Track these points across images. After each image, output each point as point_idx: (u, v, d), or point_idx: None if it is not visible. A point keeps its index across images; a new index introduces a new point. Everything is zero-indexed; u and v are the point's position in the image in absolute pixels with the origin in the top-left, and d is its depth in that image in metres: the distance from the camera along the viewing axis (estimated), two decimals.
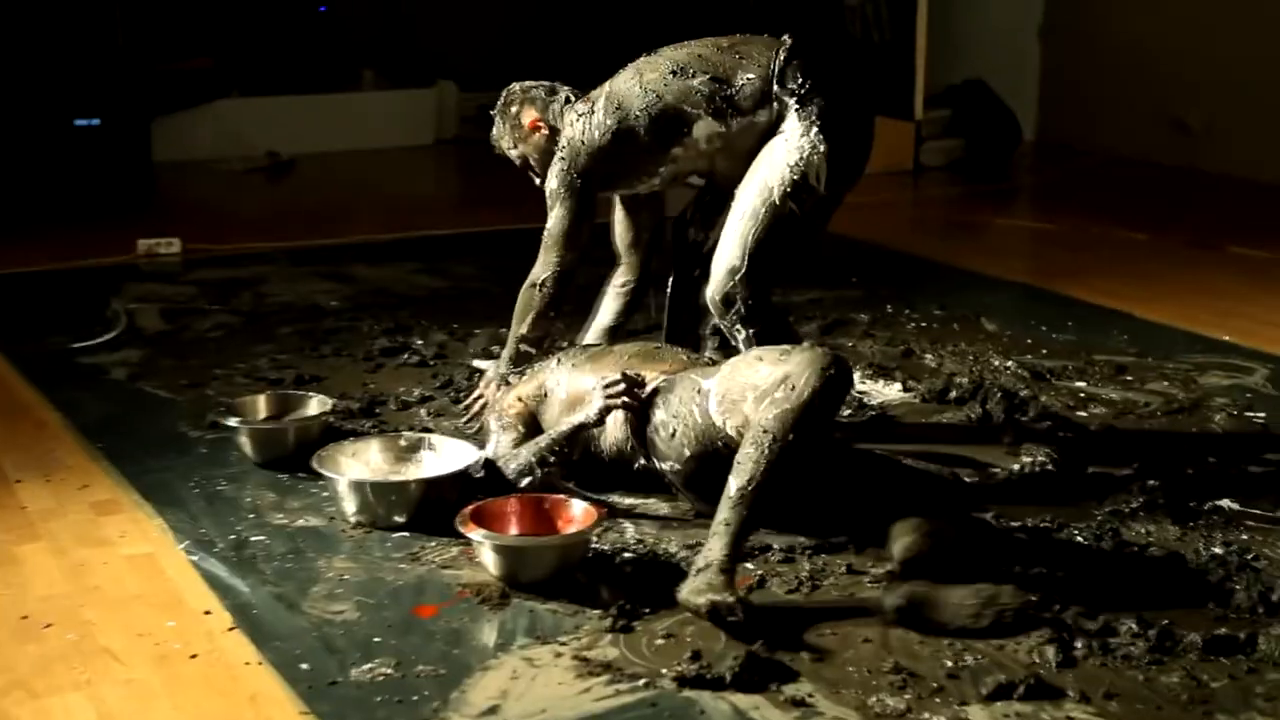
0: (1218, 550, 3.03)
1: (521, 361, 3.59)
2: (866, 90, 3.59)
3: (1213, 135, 7.48)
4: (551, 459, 3.23)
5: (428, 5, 8.79)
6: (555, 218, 3.54)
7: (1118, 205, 6.83)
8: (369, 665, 2.60)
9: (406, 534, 3.14)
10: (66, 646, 2.71)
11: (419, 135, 8.45)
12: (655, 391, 3.18)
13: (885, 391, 4.08)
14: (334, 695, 2.51)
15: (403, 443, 3.44)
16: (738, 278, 3.35)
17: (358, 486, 3.21)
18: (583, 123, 3.51)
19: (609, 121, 3.47)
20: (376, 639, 2.70)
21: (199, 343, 4.62)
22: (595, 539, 3.03)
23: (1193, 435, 3.78)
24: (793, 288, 4.35)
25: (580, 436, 3.26)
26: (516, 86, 3.70)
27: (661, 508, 3.26)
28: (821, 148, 3.32)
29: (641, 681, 2.53)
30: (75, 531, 3.22)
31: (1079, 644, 2.63)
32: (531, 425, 3.38)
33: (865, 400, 3.99)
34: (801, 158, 3.32)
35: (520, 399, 3.44)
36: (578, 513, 3.03)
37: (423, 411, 3.92)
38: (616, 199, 3.74)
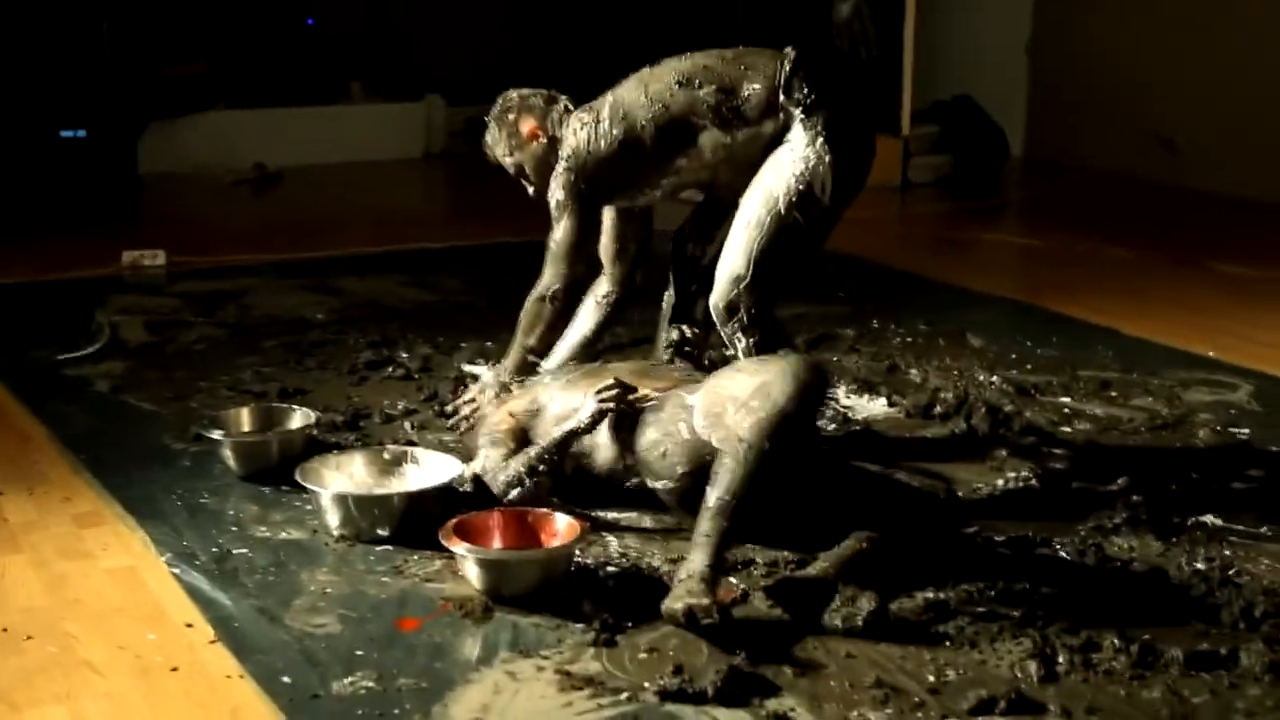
0: (1200, 566, 3.04)
1: (526, 371, 3.59)
2: (867, 104, 3.60)
3: (1199, 152, 7.50)
4: (542, 468, 3.22)
5: (416, 19, 8.80)
6: (564, 229, 3.53)
7: (1104, 222, 6.85)
8: (351, 678, 2.59)
9: (389, 547, 3.14)
10: (47, 659, 2.70)
11: (407, 148, 8.45)
12: (646, 411, 3.19)
13: (870, 406, 4.09)
14: (315, 709, 2.50)
15: (386, 456, 3.44)
16: (742, 286, 3.35)
17: (341, 499, 3.21)
18: (587, 132, 3.51)
19: (615, 131, 3.47)
20: (359, 652, 2.69)
21: (183, 355, 4.61)
22: (578, 553, 3.03)
23: (1176, 451, 3.79)
24: (780, 302, 4.34)
25: (571, 444, 3.25)
26: (514, 93, 3.69)
27: (645, 521, 3.26)
28: (827, 158, 3.32)
29: (624, 695, 2.53)
30: (57, 544, 3.21)
31: (1061, 659, 2.63)
32: (521, 441, 3.37)
33: (850, 415, 4.00)
34: (807, 168, 3.32)
35: (512, 414, 3.43)
36: (561, 526, 3.03)
37: (407, 425, 3.92)
38: (606, 210, 3.73)
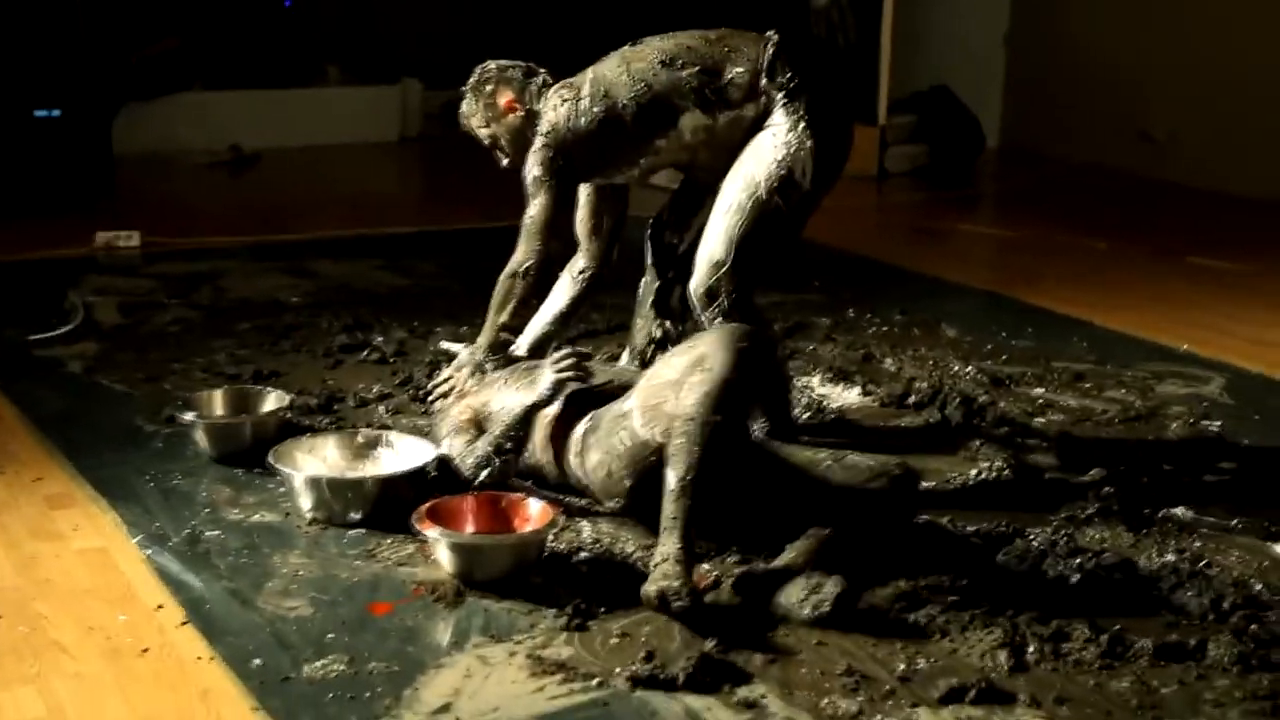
0: (1170, 558, 3.06)
1: (500, 349, 3.58)
2: (847, 91, 3.59)
3: (1176, 145, 7.52)
4: (508, 445, 3.21)
5: (393, 2, 8.78)
6: (538, 205, 3.51)
7: (1080, 213, 6.87)
8: (322, 662, 2.59)
9: (362, 531, 3.14)
10: (17, 639, 2.70)
11: (383, 132, 8.43)
12: (586, 433, 3.17)
13: (845, 395, 4.10)
14: (286, 691, 2.50)
15: (360, 439, 3.43)
16: (722, 271, 3.34)
17: (314, 483, 3.20)
18: (568, 108, 3.49)
19: (596, 109, 3.45)
20: (330, 635, 2.69)
21: (157, 337, 4.60)
22: (551, 538, 3.03)
23: (1149, 443, 3.80)
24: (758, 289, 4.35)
25: (533, 419, 3.24)
26: (492, 65, 3.66)
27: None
28: (809, 143, 3.32)
29: (595, 681, 2.54)
30: (28, 524, 3.20)
31: (1031, 648, 2.65)
32: (481, 430, 3.37)
33: (825, 404, 4.00)
34: (789, 152, 3.31)
35: (470, 408, 3.43)
36: (534, 511, 3.04)
37: (381, 409, 3.91)
38: (582, 186, 3.70)
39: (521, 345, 3.63)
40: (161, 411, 3.84)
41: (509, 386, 3.39)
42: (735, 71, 3.37)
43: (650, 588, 2.72)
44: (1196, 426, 3.92)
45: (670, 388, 2.97)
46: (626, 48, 3.52)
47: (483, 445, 3.25)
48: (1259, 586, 2.94)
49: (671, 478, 2.85)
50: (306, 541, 3.11)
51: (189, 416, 3.61)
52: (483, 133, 3.67)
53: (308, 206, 6.77)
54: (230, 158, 7.68)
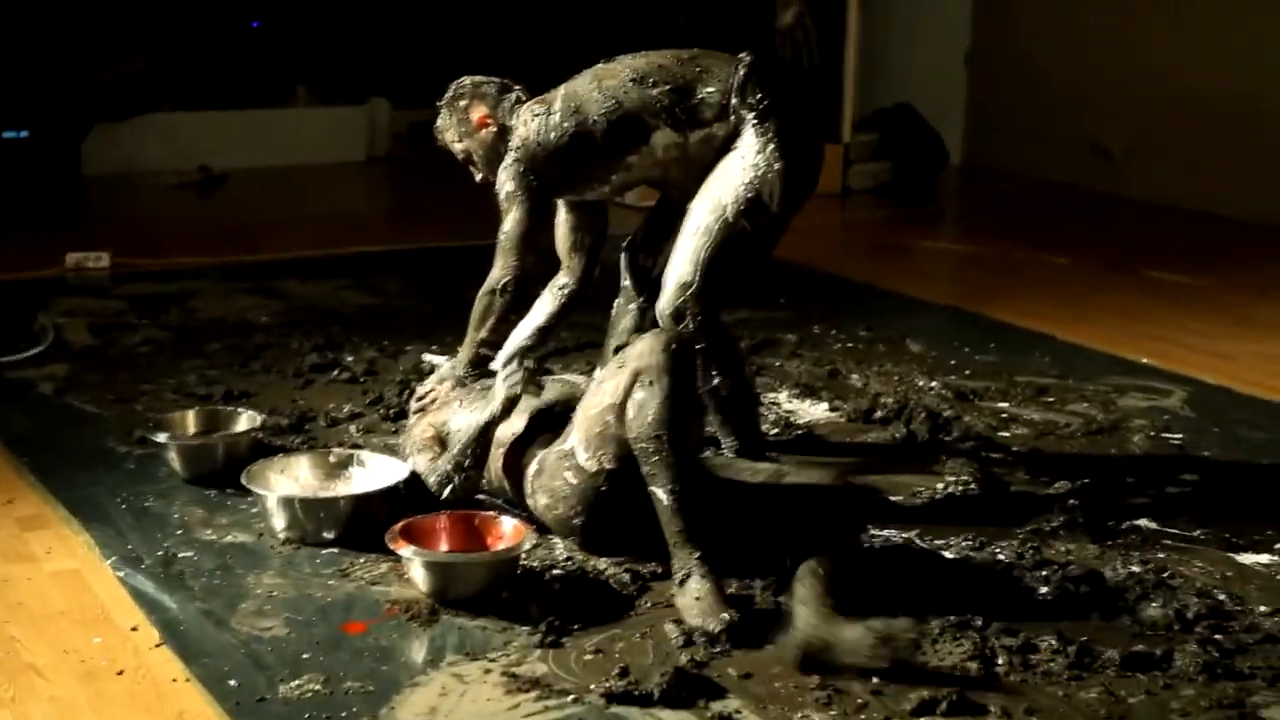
0: (1135, 569, 3.07)
1: (481, 364, 3.57)
2: (816, 113, 3.59)
3: (1132, 161, 7.57)
4: (467, 463, 3.22)
5: (361, 23, 8.77)
6: (512, 220, 3.49)
7: (1040, 229, 6.90)
8: (297, 682, 2.58)
9: (335, 550, 3.13)
10: None
11: (351, 152, 8.40)
12: (534, 476, 3.16)
13: (812, 410, 4.11)
14: (262, 712, 2.49)
15: (332, 459, 3.42)
16: (689, 293, 3.33)
17: (287, 502, 3.19)
18: (538, 123, 3.47)
19: (566, 124, 3.44)
20: (305, 655, 2.68)
21: (127, 358, 4.57)
22: (524, 556, 3.03)
23: (1112, 456, 3.82)
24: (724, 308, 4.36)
25: (491, 434, 3.23)
26: (467, 80, 3.65)
27: None
28: (777, 165, 3.30)
29: (570, 698, 2.53)
30: (0, 547, 3.18)
31: (1000, 660, 2.66)
32: (445, 446, 3.36)
33: (792, 419, 4.01)
34: (757, 175, 3.30)
35: (431, 425, 3.43)
36: (507, 530, 3.04)
37: (353, 428, 3.90)
38: (560, 203, 3.69)
39: (499, 360, 3.62)
40: (133, 432, 3.82)
41: (465, 406, 3.39)
42: (706, 91, 3.37)
43: (692, 620, 2.76)
44: (1158, 439, 3.94)
45: (610, 411, 2.98)
46: (599, 65, 3.51)
47: (443, 463, 3.25)
48: (1222, 596, 2.96)
49: (661, 495, 2.86)
50: (280, 561, 3.10)
51: (161, 437, 3.59)
52: (457, 147, 3.67)
53: (277, 226, 6.75)
54: (199, 178, 7.64)
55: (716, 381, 3.35)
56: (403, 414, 3.89)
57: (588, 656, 2.68)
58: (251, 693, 2.55)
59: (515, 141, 3.50)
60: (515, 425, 3.23)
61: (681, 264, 3.35)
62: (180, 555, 3.12)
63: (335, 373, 4.37)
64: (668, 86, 3.38)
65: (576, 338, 4.54)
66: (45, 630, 2.80)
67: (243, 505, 3.35)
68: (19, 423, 3.95)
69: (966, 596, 2.90)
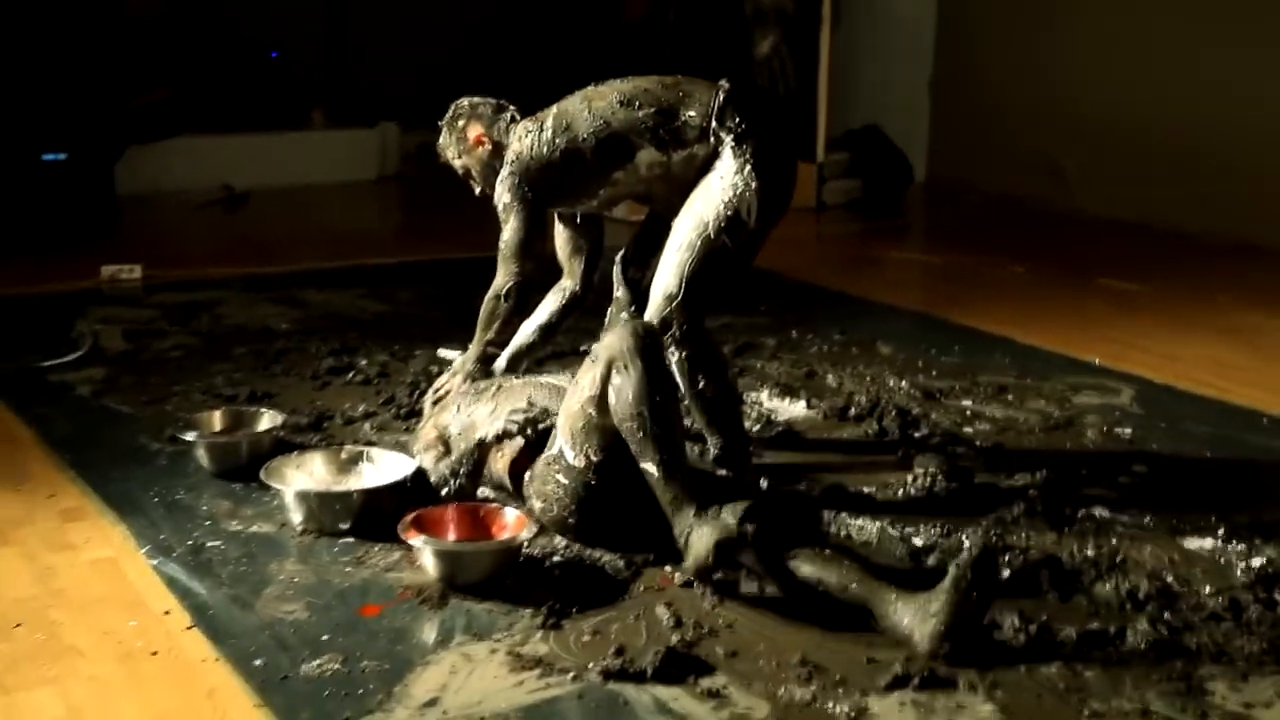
0: (1090, 553, 3.07)
1: (488, 361, 3.58)
2: (789, 136, 3.57)
3: (1084, 179, 7.58)
4: (461, 470, 3.24)
5: (372, 52, 8.76)
6: (510, 230, 3.49)
7: (999, 241, 6.90)
8: (318, 661, 2.58)
9: (351, 539, 3.12)
10: (35, 645, 2.67)
11: (363, 171, 8.39)
12: (528, 483, 3.15)
13: (790, 409, 4.10)
14: (285, 689, 2.49)
15: (344, 455, 3.41)
16: (674, 304, 3.31)
17: (304, 496, 3.18)
18: (531, 139, 3.47)
19: (558, 140, 3.43)
20: (325, 637, 2.68)
21: (159, 362, 4.56)
22: (527, 544, 3.02)
23: (1067, 450, 3.82)
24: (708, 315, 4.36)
25: (486, 453, 3.24)
26: (465, 102, 3.65)
27: None
28: (753, 184, 3.28)
29: (570, 675, 2.53)
30: (44, 538, 3.17)
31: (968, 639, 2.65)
32: (448, 446, 3.36)
33: (772, 417, 4.01)
34: (735, 194, 3.28)
35: (435, 428, 3.43)
36: (510, 520, 3.03)
37: (367, 426, 3.89)
38: (555, 215, 3.68)
39: (504, 356, 3.62)
40: (164, 431, 3.81)
41: (463, 411, 3.37)
42: (689, 114, 3.36)
43: (688, 563, 2.80)
44: (1110, 434, 3.94)
45: (590, 404, 2.97)
46: (589, 87, 3.51)
47: (444, 466, 3.27)
48: (1170, 578, 2.96)
49: (651, 467, 2.86)
50: (300, 550, 3.09)
51: (190, 436, 3.58)
52: (456, 163, 3.67)
53: (295, 240, 6.73)
54: (223, 196, 7.63)
55: (702, 385, 3.34)
56: (413, 413, 3.89)
57: (586, 637, 2.68)
58: (276, 671, 2.55)
59: (510, 156, 3.50)
60: (517, 441, 3.22)
61: (667, 277, 3.34)
62: (208, 544, 3.11)
63: (350, 375, 4.36)
64: (652, 109, 3.37)
65: (573, 342, 4.52)
66: (85, 614, 2.79)
67: (265, 498, 3.34)
68: (60, 423, 3.94)
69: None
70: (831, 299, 5.64)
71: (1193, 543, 3.17)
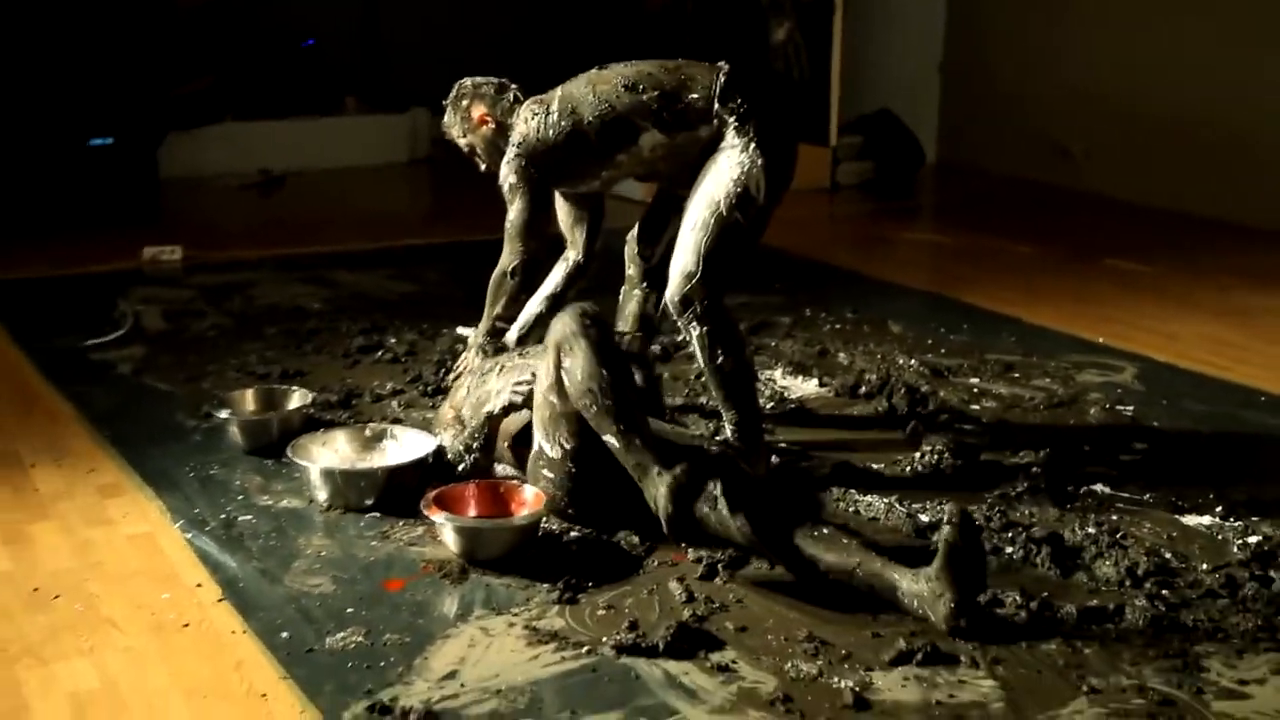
0: (1091, 530, 3.03)
1: (497, 335, 3.56)
2: (791, 114, 3.53)
3: (1091, 160, 7.50)
4: (475, 445, 3.22)
5: (403, 40, 8.72)
6: (515, 210, 3.46)
7: (1008, 222, 6.83)
8: (342, 634, 2.56)
9: (376, 515, 3.10)
10: (73, 616, 2.66)
11: (394, 155, 8.37)
12: (528, 479, 3.12)
13: (803, 386, 4.07)
14: (311, 661, 2.47)
15: (367, 433, 3.39)
16: (694, 281, 3.28)
17: (329, 473, 3.16)
18: (537, 121, 3.43)
19: (563, 123, 3.40)
20: (349, 610, 2.66)
21: (196, 341, 4.55)
22: (544, 521, 3.00)
23: (1071, 427, 3.78)
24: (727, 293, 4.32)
25: (497, 427, 3.22)
26: (468, 81, 3.62)
27: None
28: (759, 161, 3.25)
29: (584, 649, 2.51)
30: (83, 512, 3.16)
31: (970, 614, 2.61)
32: (464, 425, 3.34)
33: (786, 394, 3.97)
34: (743, 172, 3.25)
35: (452, 407, 3.40)
36: (529, 497, 3.01)
37: (394, 403, 3.87)
38: (558, 194, 3.65)
39: (514, 329, 3.60)
40: (200, 408, 3.80)
41: (473, 394, 3.34)
42: (691, 97, 3.32)
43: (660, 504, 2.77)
44: (1112, 411, 3.90)
45: (550, 391, 2.95)
46: (594, 71, 3.47)
47: (458, 443, 3.25)
48: (1169, 555, 2.92)
49: (610, 439, 2.85)
50: (327, 525, 3.07)
51: (224, 413, 3.57)
52: (460, 142, 3.65)
53: (328, 223, 6.71)
54: (260, 180, 7.61)
55: (720, 360, 3.30)
56: (439, 390, 3.87)
57: (600, 612, 2.65)
58: (301, 643, 2.53)
59: (515, 137, 3.47)
60: (520, 417, 3.20)
61: (684, 256, 3.31)
62: (240, 519, 3.10)
63: (379, 354, 4.34)
64: (656, 92, 3.33)
65: None
66: (121, 587, 2.78)
67: (295, 474, 3.31)
68: (101, 400, 3.93)
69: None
70: (845, 278, 5.59)
71: (1191, 519, 3.13)
